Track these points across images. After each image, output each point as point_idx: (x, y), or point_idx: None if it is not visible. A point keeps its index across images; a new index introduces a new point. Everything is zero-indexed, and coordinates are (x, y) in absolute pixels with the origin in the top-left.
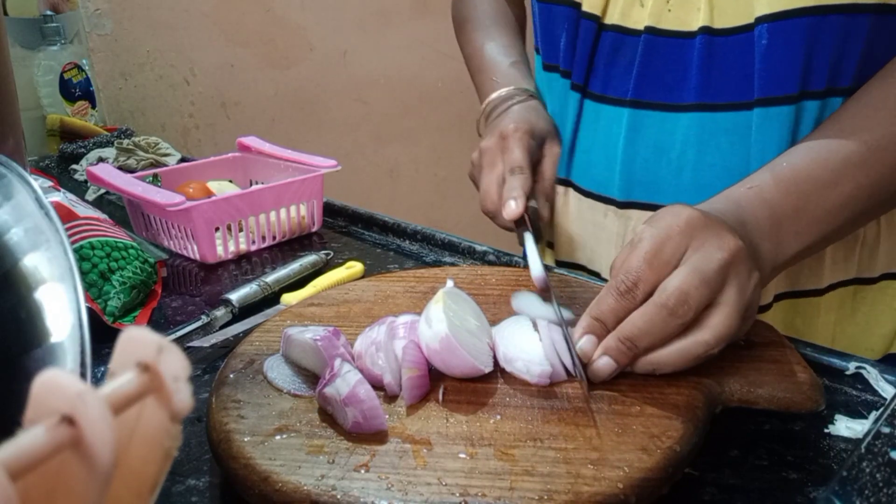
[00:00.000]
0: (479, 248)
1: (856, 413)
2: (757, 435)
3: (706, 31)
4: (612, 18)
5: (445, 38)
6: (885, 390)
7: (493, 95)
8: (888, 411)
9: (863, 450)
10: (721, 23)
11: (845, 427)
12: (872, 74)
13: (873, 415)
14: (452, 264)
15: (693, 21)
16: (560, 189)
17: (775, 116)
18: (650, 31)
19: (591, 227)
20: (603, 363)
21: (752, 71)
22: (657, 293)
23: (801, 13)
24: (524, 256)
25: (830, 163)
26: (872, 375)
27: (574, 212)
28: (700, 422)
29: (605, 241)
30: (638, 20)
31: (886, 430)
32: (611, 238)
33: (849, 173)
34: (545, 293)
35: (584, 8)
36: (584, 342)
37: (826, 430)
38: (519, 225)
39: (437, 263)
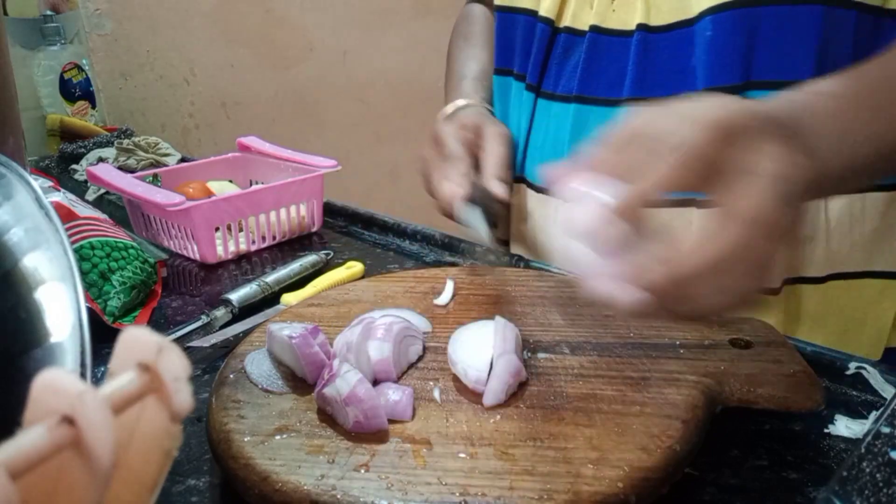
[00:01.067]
0: (479, 248)
1: (856, 413)
2: (757, 435)
3: (643, 28)
4: (564, 21)
5: (446, 39)
6: (885, 390)
7: (442, 111)
8: (888, 411)
9: (863, 450)
10: (657, 20)
11: (845, 427)
12: (833, 70)
13: (873, 415)
14: (452, 264)
15: (632, 20)
16: (514, 187)
17: None
18: (594, 30)
19: (542, 221)
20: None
21: (689, 65)
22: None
23: (741, 4)
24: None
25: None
26: (872, 375)
27: (527, 208)
28: (700, 421)
29: (555, 235)
30: (587, 21)
31: (886, 430)
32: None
33: None
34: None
35: (541, 12)
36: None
37: (826, 430)
38: (467, 207)
39: (437, 263)
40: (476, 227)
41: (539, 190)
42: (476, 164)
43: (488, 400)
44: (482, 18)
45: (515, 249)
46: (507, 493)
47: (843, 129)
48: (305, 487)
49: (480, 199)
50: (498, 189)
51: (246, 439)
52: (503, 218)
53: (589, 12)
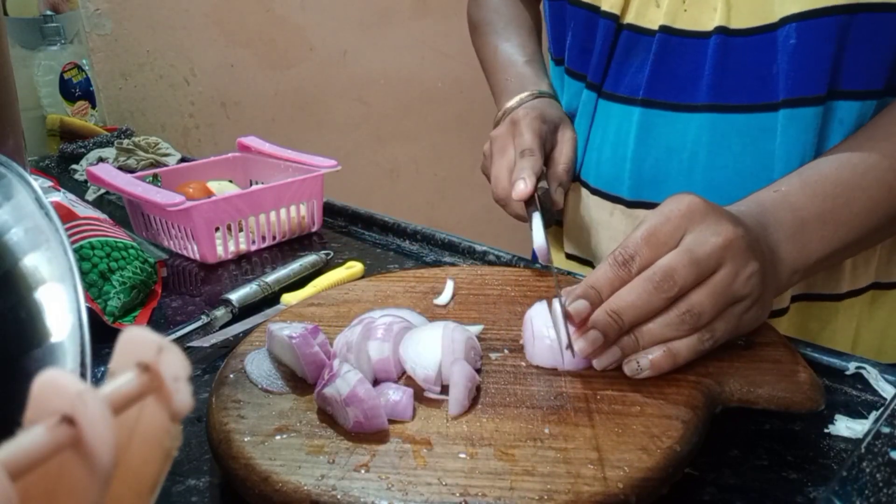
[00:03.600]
0: (479, 248)
1: (856, 413)
2: (757, 435)
3: (722, 31)
4: (627, 18)
5: (445, 38)
6: (885, 390)
7: (509, 104)
8: (888, 411)
9: (863, 450)
10: (738, 23)
11: (845, 427)
12: None
13: (873, 415)
14: (452, 264)
15: (708, 21)
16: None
17: (802, 117)
18: (665, 30)
19: (596, 223)
20: (591, 336)
21: (769, 72)
22: (647, 270)
23: (831, 12)
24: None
25: (859, 167)
26: (872, 375)
27: (582, 207)
28: (700, 422)
29: (610, 238)
30: (653, 20)
31: (886, 430)
32: (616, 236)
33: (877, 177)
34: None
35: (604, 8)
36: (577, 304)
37: (826, 430)
38: (528, 206)
39: (437, 263)
40: (533, 228)
41: (593, 191)
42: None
43: (454, 410)
44: None
45: (568, 245)
46: (508, 494)
47: (799, 232)
48: (306, 488)
49: (540, 197)
50: (559, 197)
51: (246, 439)
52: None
53: (655, 10)
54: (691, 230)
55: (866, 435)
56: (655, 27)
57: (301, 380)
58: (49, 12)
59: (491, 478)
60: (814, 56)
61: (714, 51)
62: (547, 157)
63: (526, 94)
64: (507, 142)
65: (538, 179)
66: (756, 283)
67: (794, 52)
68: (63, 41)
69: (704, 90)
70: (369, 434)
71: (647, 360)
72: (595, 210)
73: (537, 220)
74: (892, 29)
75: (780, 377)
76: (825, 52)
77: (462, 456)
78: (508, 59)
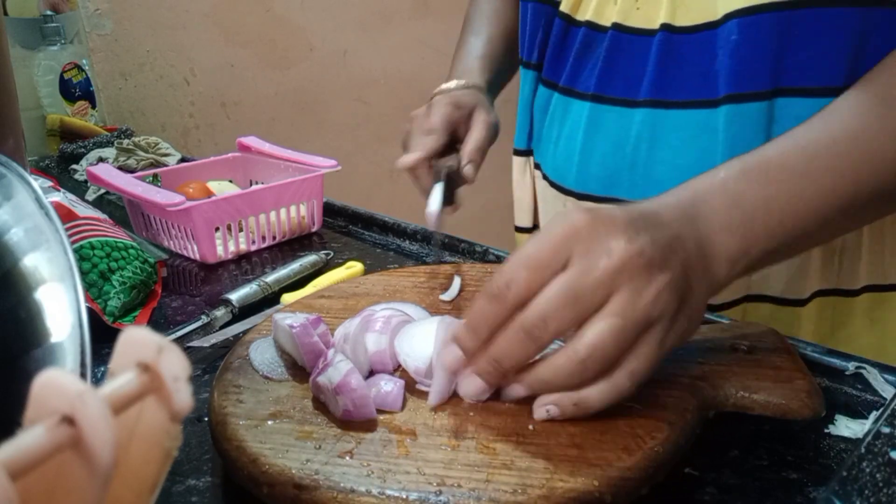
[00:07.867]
0: (479, 248)
1: (856, 413)
2: (757, 435)
3: (666, 28)
4: (584, 15)
5: (445, 38)
6: (885, 390)
7: (441, 87)
8: (888, 411)
9: (863, 450)
10: (683, 20)
11: (845, 427)
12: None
13: (873, 415)
14: (452, 264)
15: (656, 19)
16: (537, 174)
17: (745, 113)
18: (616, 27)
19: (552, 214)
20: (474, 382)
21: (710, 69)
22: (521, 313)
23: (772, 7)
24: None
25: (808, 152)
26: (872, 375)
27: (541, 198)
28: (688, 425)
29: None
30: (609, 17)
31: (886, 430)
32: None
33: (829, 164)
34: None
35: (562, 8)
36: (449, 353)
37: (826, 430)
38: (433, 180)
39: (436, 263)
40: (430, 196)
41: (550, 183)
42: (456, 142)
43: (433, 400)
44: None
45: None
46: (483, 486)
47: (737, 221)
48: (290, 471)
49: (448, 174)
50: (468, 172)
51: (241, 423)
52: (527, 205)
53: (612, 8)
54: (577, 252)
55: (866, 435)
56: (609, 24)
57: (301, 368)
58: (49, 12)
59: (469, 469)
60: (755, 52)
61: (657, 48)
62: (462, 139)
63: (454, 83)
64: (419, 125)
65: (440, 157)
66: (667, 298)
67: (736, 48)
68: (63, 41)
69: (646, 86)
70: (358, 422)
71: (555, 409)
72: (552, 201)
73: (437, 190)
74: (840, 24)
75: (777, 383)
76: (767, 47)
77: (444, 448)
78: (465, 51)
